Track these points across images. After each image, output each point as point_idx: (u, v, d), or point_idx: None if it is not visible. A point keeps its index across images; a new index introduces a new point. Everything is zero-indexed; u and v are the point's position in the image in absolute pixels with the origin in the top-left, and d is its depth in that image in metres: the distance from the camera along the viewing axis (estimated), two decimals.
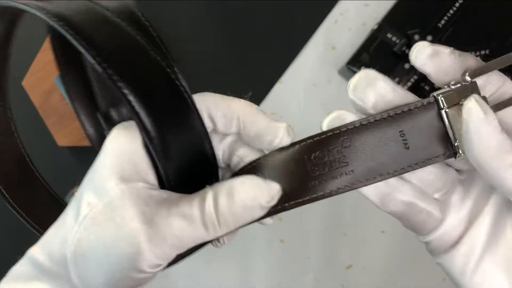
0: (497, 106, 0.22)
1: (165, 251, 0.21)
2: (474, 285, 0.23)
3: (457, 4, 0.51)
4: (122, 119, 0.26)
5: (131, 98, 0.20)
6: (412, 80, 0.51)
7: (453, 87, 0.22)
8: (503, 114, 0.22)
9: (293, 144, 0.23)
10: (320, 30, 0.56)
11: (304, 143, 0.23)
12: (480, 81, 0.22)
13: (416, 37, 0.51)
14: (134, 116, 0.20)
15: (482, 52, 0.50)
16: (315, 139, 0.22)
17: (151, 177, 0.22)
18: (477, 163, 0.21)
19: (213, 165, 0.24)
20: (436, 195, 0.24)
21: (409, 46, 0.51)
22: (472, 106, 0.20)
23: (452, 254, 0.23)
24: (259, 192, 0.21)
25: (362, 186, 0.23)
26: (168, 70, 0.22)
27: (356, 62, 0.51)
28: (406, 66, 0.51)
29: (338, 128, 0.22)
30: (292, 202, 0.23)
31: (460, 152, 0.22)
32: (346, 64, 0.52)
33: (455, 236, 0.24)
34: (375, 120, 0.22)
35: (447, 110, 0.22)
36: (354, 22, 0.56)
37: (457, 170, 0.25)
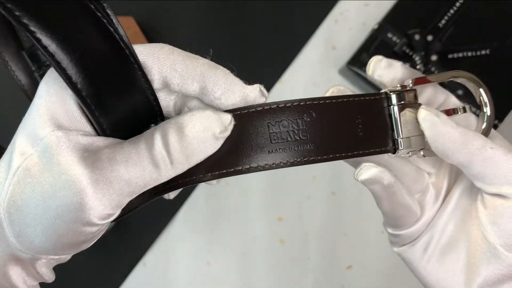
0: (447, 113, 0.25)
1: (113, 197, 0.19)
2: (429, 270, 0.25)
3: (457, 4, 0.51)
4: None
5: (47, 43, 0.17)
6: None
7: (401, 89, 0.24)
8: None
9: (256, 106, 0.22)
10: (320, 30, 0.56)
11: (269, 107, 0.22)
12: (429, 92, 0.26)
13: (417, 37, 0.51)
14: (54, 65, 0.18)
15: (483, 52, 0.50)
16: (280, 105, 0.22)
17: (88, 125, 0.20)
18: (448, 157, 0.23)
19: (158, 117, 0.22)
20: (417, 196, 0.26)
21: (410, 46, 0.51)
22: (425, 115, 0.23)
23: (413, 244, 0.26)
24: (210, 122, 0.20)
25: (317, 162, 0.22)
26: (93, 8, 0.19)
27: (356, 62, 0.51)
28: (406, 66, 0.51)
29: (305, 99, 0.22)
30: (247, 166, 0.22)
31: (401, 146, 0.24)
32: (347, 64, 0.52)
33: (421, 231, 0.26)
34: (341, 101, 0.23)
35: (395, 106, 0.24)
36: (354, 22, 0.56)
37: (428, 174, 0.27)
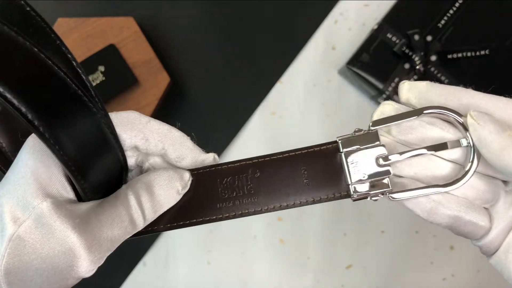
0: None
1: (101, 255, 0.22)
2: None
3: (457, 4, 0.51)
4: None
5: (30, 117, 0.18)
6: (412, 80, 0.51)
7: (356, 134, 0.25)
8: None
9: (208, 167, 0.26)
10: (320, 30, 0.56)
11: (220, 167, 0.26)
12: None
13: (416, 37, 0.51)
14: (44, 141, 0.19)
15: (482, 52, 0.50)
16: (229, 165, 0.26)
17: (70, 190, 0.23)
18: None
19: (125, 172, 0.25)
20: (486, 205, 0.25)
21: (409, 46, 0.51)
22: (483, 136, 0.22)
23: (496, 254, 0.25)
24: (173, 180, 0.24)
25: (263, 213, 0.25)
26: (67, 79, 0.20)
27: (356, 62, 0.51)
28: (406, 66, 0.51)
29: (251, 158, 0.26)
30: (200, 219, 0.25)
31: (352, 192, 0.25)
32: (346, 64, 0.52)
33: (500, 240, 0.25)
34: (283, 156, 0.25)
35: (345, 153, 0.25)
36: (354, 22, 0.56)
37: (503, 181, 0.26)
